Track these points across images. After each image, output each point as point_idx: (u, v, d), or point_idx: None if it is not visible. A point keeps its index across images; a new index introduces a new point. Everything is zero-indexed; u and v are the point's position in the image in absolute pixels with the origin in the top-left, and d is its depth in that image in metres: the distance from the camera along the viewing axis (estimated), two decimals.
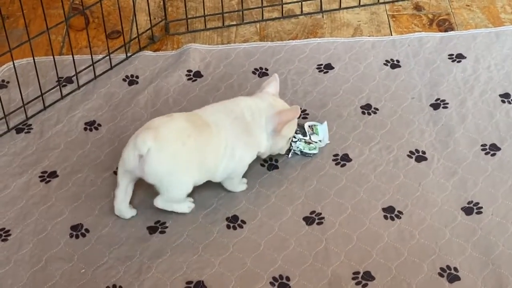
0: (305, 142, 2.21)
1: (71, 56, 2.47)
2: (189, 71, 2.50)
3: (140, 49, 2.59)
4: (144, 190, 2.12)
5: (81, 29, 2.69)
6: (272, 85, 2.16)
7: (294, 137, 2.20)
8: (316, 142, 2.22)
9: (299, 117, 2.14)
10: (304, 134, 2.22)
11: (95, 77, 2.49)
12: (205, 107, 2.13)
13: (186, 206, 2.08)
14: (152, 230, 2.05)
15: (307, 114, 2.33)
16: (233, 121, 2.06)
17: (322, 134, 2.24)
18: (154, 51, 2.60)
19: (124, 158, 1.99)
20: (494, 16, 2.67)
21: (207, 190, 2.13)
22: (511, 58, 2.48)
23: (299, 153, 2.21)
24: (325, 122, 2.27)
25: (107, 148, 2.27)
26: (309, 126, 2.25)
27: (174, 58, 2.56)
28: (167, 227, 2.06)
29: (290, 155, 2.21)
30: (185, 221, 2.07)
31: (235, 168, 2.08)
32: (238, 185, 2.14)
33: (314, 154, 2.21)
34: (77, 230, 2.05)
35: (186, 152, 1.99)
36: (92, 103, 2.41)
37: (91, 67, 2.49)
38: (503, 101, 2.35)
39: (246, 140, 2.07)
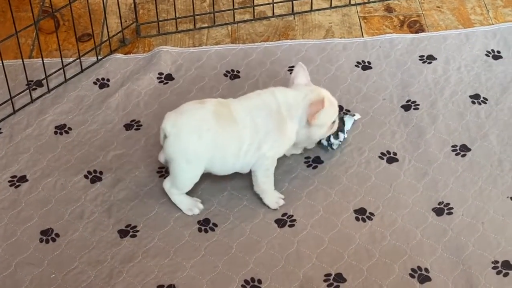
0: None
1: (41, 59, 2.45)
2: (161, 73, 2.49)
3: (111, 52, 2.58)
4: (116, 193, 2.12)
5: (51, 32, 2.67)
6: (301, 75, 2.14)
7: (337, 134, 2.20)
8: (344, 138, 2.23)
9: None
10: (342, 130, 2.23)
11: (66, 80, 2.47)
12: (241, 99, 2.11)
13: (187, 206, 2.08)
14: (123, 234, 2.04)
15: None
16: (267, 116, 2.05)
17: (347, 127, 2.25)
18: (125, 54, 2.59)
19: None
20: (464, 18, 2.69)
21: None
22: (481, 59, 2.50)
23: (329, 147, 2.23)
24: (357, 115, 2.28)
25: (78, 151, 2.25)
26: (341, 121, 2.23)
27: (145, 61, 2.55)
28: (138, 230, 2.05)
29: (335, 147, 2.22)
30: (156, 225, 2.06)
31: (260, 163, 2.07)
32: (271, 197, 2.10)
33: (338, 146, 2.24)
34: (47, 235, 2.04)
35: (200, 145, 2.01)
36: (62, 107, 2.39)
37: (62, 70, 2.47)
38: (473, 102, 2.36)
39: (276, 137, 2.06)
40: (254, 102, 2.08)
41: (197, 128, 2.02)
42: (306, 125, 2.08)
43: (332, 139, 2.21)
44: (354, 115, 2.30)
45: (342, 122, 2.23)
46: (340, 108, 2.29)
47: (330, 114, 2.11)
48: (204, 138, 2.01)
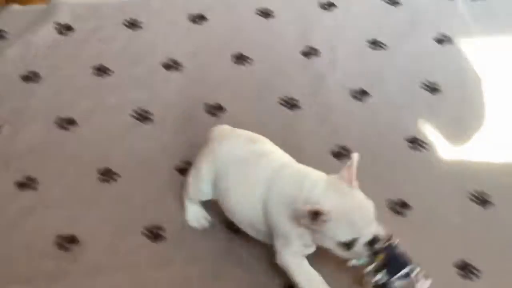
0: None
1: None
2: (59, 24, 2.44)
3: (7, 3, 2.51)
4: (15, 145, 2.08)
5: None
6: (345, 170, 1.70)
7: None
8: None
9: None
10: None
11: None
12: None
13: (194, 217, 1.95)
14: (21, 186, 2.01)
15: (179, 64, 2.31)
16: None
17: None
18: (22, 5, 2.52)
19: None
20: None
21: None
22: (380, 6, 2.52)
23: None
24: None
25: None
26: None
27: (43, 12, 2.49)
28: (37, 182, 2.02)
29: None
30: (56, 176, 2.03)
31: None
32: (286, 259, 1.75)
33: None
34: None
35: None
36: None
37: None
38: (372, 48, 2.39)
39: (281, 230, 1.75)
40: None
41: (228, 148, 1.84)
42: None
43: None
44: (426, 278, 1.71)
45: (389, 260, 1.70)
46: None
47: (338, 228, 1.65)
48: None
